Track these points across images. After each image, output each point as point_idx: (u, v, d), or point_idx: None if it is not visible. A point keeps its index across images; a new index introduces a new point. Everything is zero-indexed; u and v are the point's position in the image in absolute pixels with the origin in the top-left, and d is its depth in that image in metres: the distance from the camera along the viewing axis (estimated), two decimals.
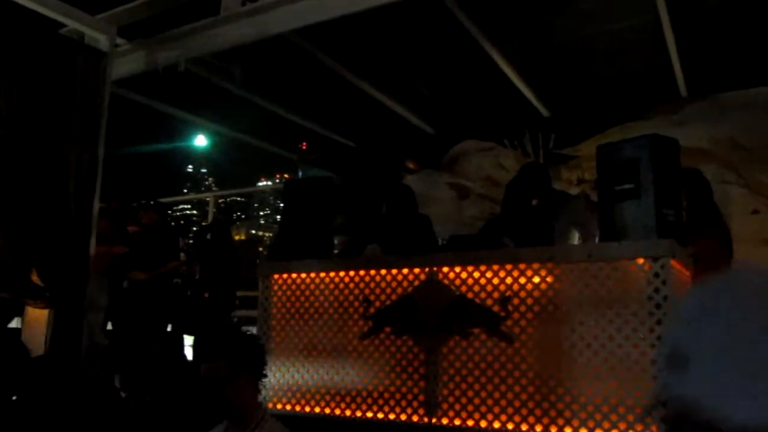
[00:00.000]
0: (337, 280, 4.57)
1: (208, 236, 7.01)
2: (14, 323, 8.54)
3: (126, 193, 6.80)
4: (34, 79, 5.23)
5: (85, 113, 5.56)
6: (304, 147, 9.82)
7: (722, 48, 6.19)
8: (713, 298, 0.69)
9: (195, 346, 6.76)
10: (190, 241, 7.11)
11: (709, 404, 0.62)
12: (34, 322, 5.56)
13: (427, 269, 4.21)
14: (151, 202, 6.63)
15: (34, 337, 5.52)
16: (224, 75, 6.91)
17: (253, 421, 2.37)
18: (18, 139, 5.09)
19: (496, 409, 3.82)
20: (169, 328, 6.55)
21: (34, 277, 5.20)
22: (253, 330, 7.77)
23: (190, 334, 6.88)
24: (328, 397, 4.44)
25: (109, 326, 6.37)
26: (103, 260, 6.00)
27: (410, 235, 4.94)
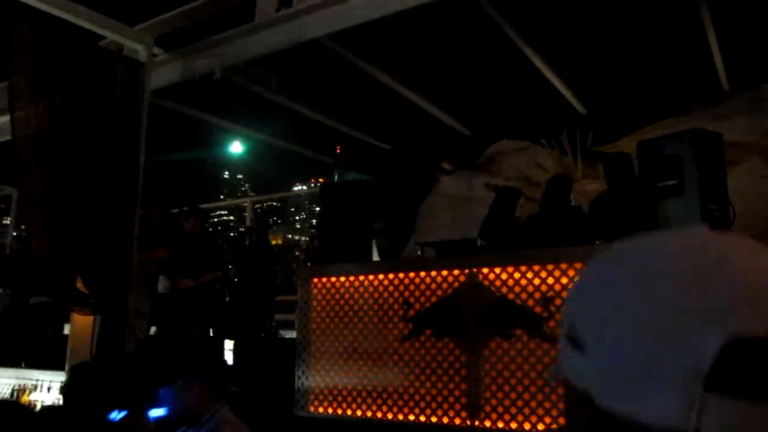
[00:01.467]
0: (376, 282, 4.57)
1: (246, 242, 7.07)
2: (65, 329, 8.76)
3: (165, 200, 6.87)
4: (76, 90, 5.35)
5: (125, 123, 5.67)
6: (338, 150, 9.85)
7: (763, 39, 6.03)
8: (604, 274, 0.62)
9: (235, 351, 6.83)
10: (224, 246, 7.19)
11: (607, 395, 0.56)
12: (80, 328, 5.69)
13: (466, 271, 4.18)
14: (190, 209, 6.71)
15: (80, 344, 5.64)
16: (259, 81, 6.96)
17: (203, 416, 2.40)
18: (61, 150, 5.21)
19: (540, 411, 3.77)
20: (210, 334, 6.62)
21: (79, 285, 5.31)
22: (293, 334, 7.83)
23: (230, 338, 6.94)
24: (369, 400, 4.44)
25: (152, 331, 6.47)
26: (148, 267, 6.09)
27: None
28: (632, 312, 0.56)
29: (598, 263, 0.64)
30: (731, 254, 0.58)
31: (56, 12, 5.45)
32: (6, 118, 6.05)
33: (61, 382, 5.70)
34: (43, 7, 5.37)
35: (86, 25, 5.67)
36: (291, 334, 8.33)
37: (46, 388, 5.87)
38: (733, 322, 0.52)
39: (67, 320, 8.98)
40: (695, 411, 0.51)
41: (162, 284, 6.26)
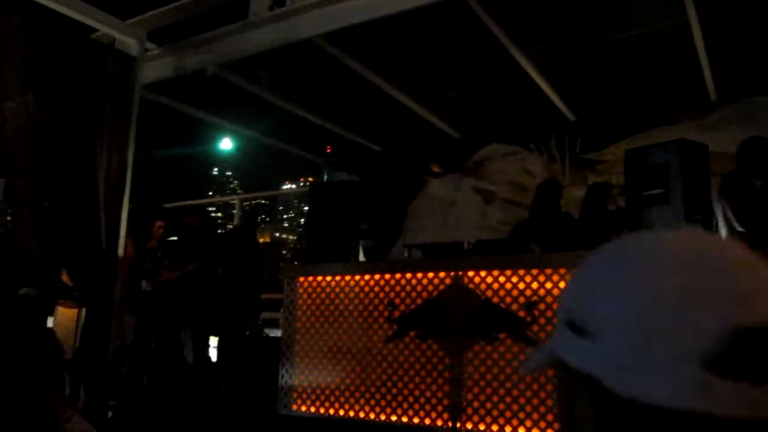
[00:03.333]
0: (362, 283, 4.58)
1: (234, 240, 7.07)
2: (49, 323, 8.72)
3: (154, 195, 6.88)
4: (66, 83, 5.34)
5: (115, 117, 5.66)
6: (329, 150, 9.86)
7: (752, 52, 6.10)
8: (611, 264, 0.65)
9: (220, 348, 6.83)
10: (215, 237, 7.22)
11: (615, 377, 0.59)
12: (64, 321, 5.67)
13: (452, 273, 4.21)
14: (193, 207, 6.76)
15: (63, 337, 5.62)
16: (251, 79, 6.97)
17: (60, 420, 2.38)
18: (50, 142, 5.20)
19: (521, 415, 3.81)
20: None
21: (65, 278, 5.29)
22: (277, 332, 7.82)
23: (215, 335, 6.94)
24: (352, 400, 4.45)
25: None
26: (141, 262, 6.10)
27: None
28: (640, 300, 0.59)
29: (604, 254, 0.67)
30: (729, 252, 0.63)
31: (48, 3, 5.44)
32: None
33: None
34: None
35: (78, 17, 5.66)
36: (276, 333, 8.34)
37: None
38: (734, 313, 0.56)
39: (51, 313, 8.97)
40: (699, 392, 0.55)
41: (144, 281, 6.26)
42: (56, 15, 5.55)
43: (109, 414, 5.31)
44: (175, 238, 6.87)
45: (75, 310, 5.52)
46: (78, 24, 5.77)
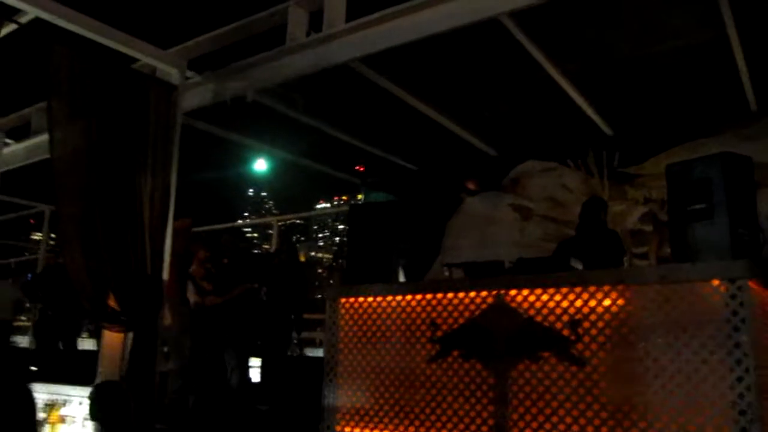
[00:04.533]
0: (404, 303, 4.59)
1: (275, 261, 7.15)
2: (90, 345, 8.90)
3: (193, 216, 6.99)
4: (111, 112, 5.50)
5: (158, 144, 5.80)
6: (361, 169, 9.93)
7: None
8: None
9: (262, 369, 6.89)
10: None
11: None
12: (110, 345, 5.78)
13: (494, 292, 4.20)
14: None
15: (110, 360, 5.74)
16: (287, 102, 7.07)
17: None
18: (97, 169, 5.35)
19: None
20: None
21: (111, 302, 5.41)
22: (316, 352, 7.85)
23: (257, 356, 7.00)
24: (396, 421, 4.45)
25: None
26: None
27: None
28: None
29: None
30: None
31: (93, 36, 5.62)
32: (43, 137, 6.23)
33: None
34: (81, 31, 5.54)
35: (121, 48, 5.84)
36: (314, 352, 8.38)
37: (77, 403, 5.96)
38: None
39: (79, 335, 9.16)
40: None
41: (192, 299, 6.33)
42: (100, 47, 5.73)
43: None
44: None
45: (121, 335, 5.63)
46: (121, 55, 5.95)
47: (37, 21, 5.44)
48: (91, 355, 6.41)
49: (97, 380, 5.73)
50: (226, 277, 6.38)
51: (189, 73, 6.41)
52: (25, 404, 2.41)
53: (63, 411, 6.12)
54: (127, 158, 5.54)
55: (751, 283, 3.46)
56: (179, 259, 6.19)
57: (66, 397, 6.21)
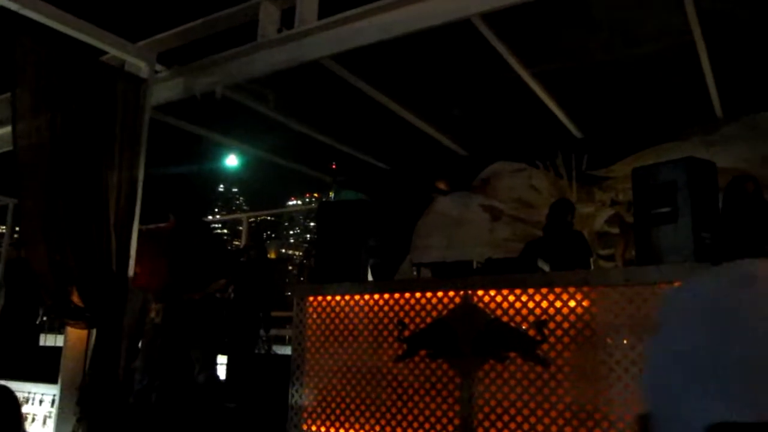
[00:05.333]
0: (372, 302, 4.60)
1: (244, 258, 7.09)
2: (52, 341, 8.75)
3: (160, 213, 6.88)
4: (78, 104, 5.40)
5: (125, 138, 5.71)
6: (334, 167, 9.92)
7: (758, 68, 6.13)
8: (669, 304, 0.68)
9: (229, 367, 6.83)
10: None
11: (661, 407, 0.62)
12: (74, 342, 5.68)
13: (461, 292, 4.22)
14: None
15: (73, 358, 5.64)
16: (258, 98, 7.02)
17: None
18: (61, 162, 5.25)
19: None
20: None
21: (75, 298, 5.31)
22: (284, 350, 7.81)
23: (223, 354, 6.94)
24: (362, 420, 4.45)
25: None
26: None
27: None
28: (657, 355, 0.64)
29: (670, 293, 0.71)
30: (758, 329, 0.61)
31: (60, 27, 5.51)
32: (7, 129, 6.10)
33: (53, 395, 5.69)
34: (48, 21, 5.43)
35: (89, 40, 5.73)
36: (282, 350, 8.34)
37: (38, 401, 5.85)
38: (731, 406, 0.56)
39: (43, 331, 9.00)
40: None
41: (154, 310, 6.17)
42: (68, 38, 5.62)
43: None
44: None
45: (85, 331, 5.54)
46: (88, 47, 5.84)
47: (2, 10, 5.32)
48: (54, 352, 6.29)
49: (60, 378, 5.64)
50: (203, 273, 6.30)
51: (158, 67, 6.32)
52: (8, 401, 2.37)
53: (24, 409, 6.01)
54: (94, 152, 5.44)
55: None
56: (177, 256, 6.08)
57: (27, 395, 6.10)
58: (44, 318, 8.19)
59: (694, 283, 0.68)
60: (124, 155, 5.68)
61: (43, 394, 5.83)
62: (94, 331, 5.49)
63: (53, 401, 5.65)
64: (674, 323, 0.64)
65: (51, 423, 5.55)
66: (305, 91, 6.91)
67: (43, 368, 6.15)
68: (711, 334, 0.60)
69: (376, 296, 4.59)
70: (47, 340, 9.43)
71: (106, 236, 5.44)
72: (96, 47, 5.89)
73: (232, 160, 12.77)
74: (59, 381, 5.61)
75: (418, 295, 4.40)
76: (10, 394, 2.44)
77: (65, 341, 5.80)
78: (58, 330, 8.48)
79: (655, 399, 0.63)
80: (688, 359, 0.60)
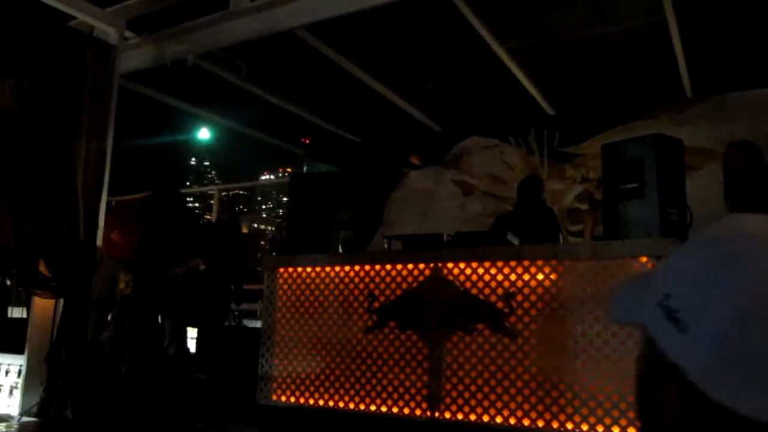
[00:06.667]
0: (342, 274, 4.61)
1: (217, 231, 7.04)
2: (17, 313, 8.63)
3: (132, 185, 6.80)
4: (44, 71, 5.28)
5: (93, 106, 5.61)
6: (307, 141, 9.86)
7: (728, 49, 6.21)
8: (705, 255, 0.60)
9: (199, 339, 6.82)
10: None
11: (705, 383, 0.54)
12: (41, 312, 5.62)
13: (431, 265, 4.25)
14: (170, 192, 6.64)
15: (40, 328, 5.58)
16: (230, 68, 6.93)
17: None
18: (28, 131, 5.14)
19: (499, 404, 3.87)
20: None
21: (42, 268, 5.25)
22: (256, 323, 7.82)
23: (193, 326, 6.92)
24: (332, 390, 4.49)
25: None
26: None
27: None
28: (734, 301, 0.55)
29: (698, 243, 0.63)
30: None
31: None
32: None
33: (20, 366, 5.63)
34: None
35: (56, 4, 5.59)
36: (253, 324, 8.34)
37: (4, 372, 5.79)
38: None
39: (10, 303, 8.88)
40: None
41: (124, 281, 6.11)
42: (33, 2, 5.47)
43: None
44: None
45: (52, 301, 5.47)
46: (56, 11, 5.70)
47: None
48: (22, 324, 6.22)
49: (27, 348, 5.58)
50: (182, 248, 6.26)
51: (128, 34, 6.19)
52: None
53: None
54: (60, 120, 5.33)
55: None
56: (150, 228, 6.01)
57: None
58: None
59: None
60: (93, 123, 5.58)
61: (9, 365, 5.77)
62: (62, 302, 5.43)
63: (20, 372, 5.59)
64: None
65: (18, 393, 5.50)
66: (278, 61, 6.83)
67: (10, 339, 6.08)
68: None
69: (347, 268, 4.60)
70: (14, 312, 9.31)
71: (74, 205, 5.36)
72: (64, 12, 5.75)
73: (204, 133, 12.63)
74: (26, 351, 5.56)
75: (388, 267, 4.43)
76: None
77: (31, 311, 5.74)
78: (26, 303, 8.37)
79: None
80: None
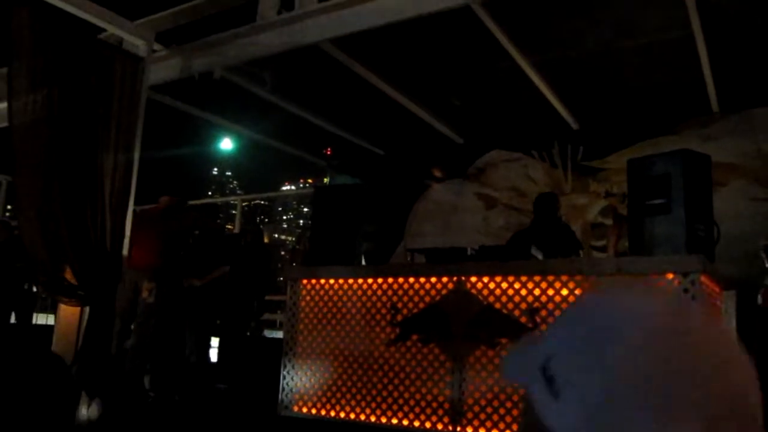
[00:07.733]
0: (365, 287, 4.62)
1: (242, 242, 7.10)
2: (46, 321, 8.75)
3: (154, 194, 6.86)
4: (74, 82, 5.35)
5: (122, 117, 5.68)
6: (329, 152, 9.91)
7: (755, 64, 6.15)
8: (584, 323, 0.61)
9: (220, 349, 6.86)
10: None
11: None
12: (66, 319, 5.69)
13: (455, 278, 4.24)
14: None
15: (65, 335, 5.65)
16: (255, 80, 7.00)
17: None
18: (57, 140, 5.22)
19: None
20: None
21: (68, 276, 5.31)
22: (276, 333, 7.84)
23: (215, 336, 6.97)
24: (353, 402, 4.48)
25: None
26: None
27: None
28: (605, 372, 0.56)
29: (580, 310, 0.65)
30: (711, 345, 0.59)
31: (57, 2, 5.46)
32: (2, 105, 6.06)
33: None
34: None
35: (87, 17, 5.68)
36: (273, 334, 8.37)
37: None
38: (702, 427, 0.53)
39: (35, 310, 9.00)
40: None
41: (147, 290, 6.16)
42: (65, 14, 5.57)
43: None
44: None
45: (78, 309, 5.54)
46: (86, 23, 5.80)
47: None
48: (47, 330, 6.30)
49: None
50: (205, 259, 6.31)
51: (156, 46, 6.28)
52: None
53: None
54: (90, 130, 5.41)
55: (703, 278, 3.57)
56: (171, 237, 6.09)
57: None
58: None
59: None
60: (121, 134, 5.65)
61: None
62: (87, 310, 5.48)
63: None
64: None
65: None
66: (303, 74, 6.88)
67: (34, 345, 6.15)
68: None
69: (370, 280, 4.61)
70: (38, 319, 9.43)
71: (101, 215, 5.42)
72: (94, 24, 5.85)
73: (227, 144, 12.71)
74: None
75: (411, 280, 4.42)
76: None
77: (57, 319, 5.81)
78: (51, 309, 8.48)
79: None
80: None
